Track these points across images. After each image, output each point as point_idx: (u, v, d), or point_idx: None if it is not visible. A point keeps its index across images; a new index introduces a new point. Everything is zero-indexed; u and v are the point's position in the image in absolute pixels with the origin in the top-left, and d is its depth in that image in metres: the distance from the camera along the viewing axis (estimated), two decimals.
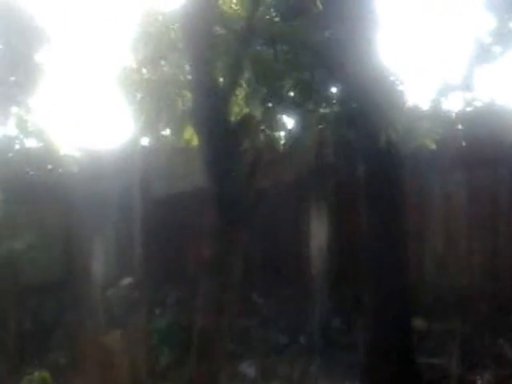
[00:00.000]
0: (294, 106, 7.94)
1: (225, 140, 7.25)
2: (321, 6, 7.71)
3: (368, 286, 7.64)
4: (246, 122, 7.82)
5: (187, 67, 7.83)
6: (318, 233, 8.74)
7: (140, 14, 8.14)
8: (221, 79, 7.58)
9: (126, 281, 9.27)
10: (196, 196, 8.45)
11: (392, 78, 8.07)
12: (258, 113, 7.94)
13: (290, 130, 8.11)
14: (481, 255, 8.56)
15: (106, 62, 8.37)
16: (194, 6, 7.48)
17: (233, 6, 8.02)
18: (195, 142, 7.67)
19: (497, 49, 8.39)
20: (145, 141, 9.54)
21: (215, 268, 6.42)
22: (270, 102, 7.95)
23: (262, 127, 7.94)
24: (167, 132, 8.13)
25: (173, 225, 9.76)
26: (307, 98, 8.01)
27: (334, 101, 8.13)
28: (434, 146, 7.83)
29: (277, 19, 8.15)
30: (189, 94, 7.96)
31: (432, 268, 8.76)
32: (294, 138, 8.11)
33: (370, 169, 7.98)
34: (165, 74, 8.03)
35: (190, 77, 7.65)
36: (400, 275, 7.57)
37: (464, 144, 8.20)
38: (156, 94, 8.07)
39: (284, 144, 8.38)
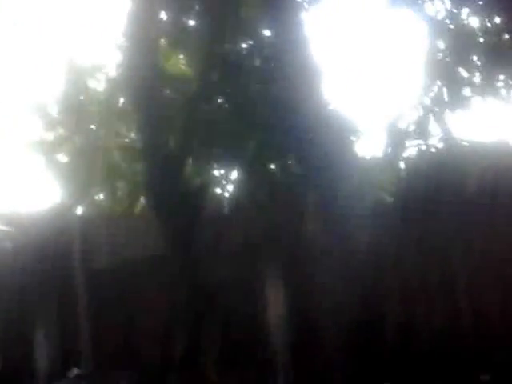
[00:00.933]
0: (248, 166, 7.70)
1: (183, 209, 7.21)
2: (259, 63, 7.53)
3: None
4: (204, 187, 7.75)
5: (136, 133, 7.78)
6: (273, 299, 8.09)
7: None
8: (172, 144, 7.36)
9: (73, 372, 8.44)
10: (144, 264, 7.88)
11: (345, 129, 7.82)
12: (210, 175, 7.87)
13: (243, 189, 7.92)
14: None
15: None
16: (139, 68, 7.30)
17: (182, 66, 7.91)
18: (137, 207, 7.38)
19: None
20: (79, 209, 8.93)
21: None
22: (224, 163, 7.83)
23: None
24: (102, 199, 7.73)
25: (120, 299, 9.01)
26: (264, 159, 7.80)
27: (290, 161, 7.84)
28: (390, 199, 7.50)
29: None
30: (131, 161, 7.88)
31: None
32: (247, 197, 7.87)
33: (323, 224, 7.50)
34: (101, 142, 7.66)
35: (139, 143, 7.63)
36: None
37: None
38: (95, 162, 7.75)
39: (235, 204, 8.07)
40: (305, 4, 8.04)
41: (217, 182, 7.79)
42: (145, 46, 7.38)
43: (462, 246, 7.57)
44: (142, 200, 7.61)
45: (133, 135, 7.71)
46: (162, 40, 7.64)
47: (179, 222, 7.09)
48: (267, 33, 7.79)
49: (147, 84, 7.25)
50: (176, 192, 6.97)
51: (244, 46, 7.84)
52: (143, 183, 7.42)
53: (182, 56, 7.80)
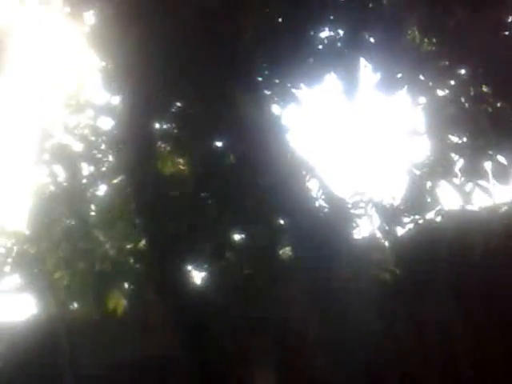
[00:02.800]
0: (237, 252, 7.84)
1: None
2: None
3: None
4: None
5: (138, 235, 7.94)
6: None
7: None
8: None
9: None
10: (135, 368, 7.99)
11: (337, 209, 7.97)
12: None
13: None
14: None
15: None
16: (137, 173, 7.60)
17: (181, 167, 8.19)
18: (120, 310, 7.49)
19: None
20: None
21: None
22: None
23: None
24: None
25: None
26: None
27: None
28: (389, 278, 7.56)
29: None
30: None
31: None
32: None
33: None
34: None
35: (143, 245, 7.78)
36: None
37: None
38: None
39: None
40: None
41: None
42: (141, 151, 7.69)
43: (464, 322, 7.58)
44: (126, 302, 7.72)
45: (134, 237, 7.90)
46: (159, 144, 7.92)
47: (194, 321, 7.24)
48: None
49: (147, 188, 7.51)
50: (184, 290, 7.15)
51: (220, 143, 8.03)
52: (149, 284, 7.58)
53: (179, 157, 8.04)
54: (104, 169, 7.95)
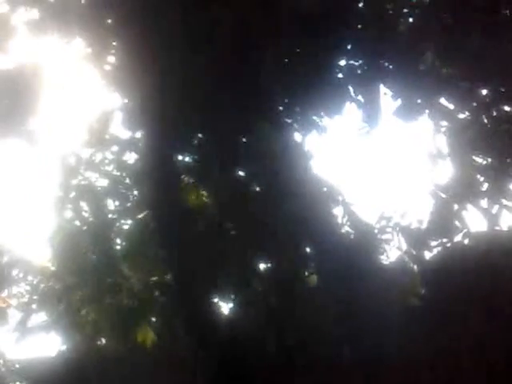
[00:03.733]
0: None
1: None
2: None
3: None
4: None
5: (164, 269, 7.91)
6: None
7: None
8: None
9: None
10: None
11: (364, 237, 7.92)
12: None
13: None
14: None
15: None
16: (162, 205, 7.65)
17: (204, 198, 8.17)
18: (149, 343, 7.43)
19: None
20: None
21: None
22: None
23: None
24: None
25: None
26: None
27: None
28: (418, 302, 7.45)
29: None
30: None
31: None
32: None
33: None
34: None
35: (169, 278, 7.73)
36: None
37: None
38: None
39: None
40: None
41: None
42: (164, 185, 7.74)
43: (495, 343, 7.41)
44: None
45: (160, 270, 7.88)
46: (182, 176, 7.96)
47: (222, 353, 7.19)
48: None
49: (171, 221, 7.54)
50: (211, 322, 7.12)
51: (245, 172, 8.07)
52: (176, 317, 7.54)
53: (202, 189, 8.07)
54: (129, 204, 8.00)
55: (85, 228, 7.93)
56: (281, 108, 8.35)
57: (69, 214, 7.92)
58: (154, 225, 7.97)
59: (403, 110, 8.57)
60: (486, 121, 8.68)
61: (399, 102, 8.58)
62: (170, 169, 8.12)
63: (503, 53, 8.34)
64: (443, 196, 8.44)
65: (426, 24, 8.47)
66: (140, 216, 8.09)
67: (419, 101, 8.61)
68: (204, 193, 8.24)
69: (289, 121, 8.24)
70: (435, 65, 8.54)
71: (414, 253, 8.11)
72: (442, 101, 8.73)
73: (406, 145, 9.47)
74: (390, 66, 8.59)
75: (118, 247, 8.01)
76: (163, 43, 8.07)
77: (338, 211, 7.90)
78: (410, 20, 8.61)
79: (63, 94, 8.04)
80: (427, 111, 8.70)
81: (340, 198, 8.08)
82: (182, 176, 8.18)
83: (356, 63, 8.44)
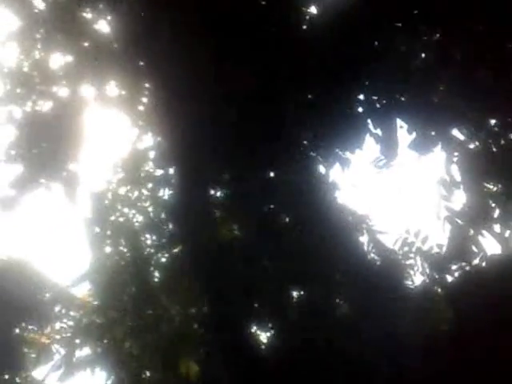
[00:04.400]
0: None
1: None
2: None
3: None
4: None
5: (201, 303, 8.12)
6: None
7: None
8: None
9: None
10: None
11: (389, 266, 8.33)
12: None
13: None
14: None
15: None
16: (196, 239, 7.93)
17: (236, 232, 8.52)
18: (193, 375, 7.66)
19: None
20: None
21: None
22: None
23: None
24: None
25: None
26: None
27: None
28: (448, 327, 7.80)
29: None
30: None
31: None
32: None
33: None
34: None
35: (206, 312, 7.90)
36: None
37: None
38: None
39: None
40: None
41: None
42: (197, 219, 8.06)
43: None
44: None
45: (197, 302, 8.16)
46: (215, 210, 8.29)
47: None
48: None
49: (205, 254, 7.85)
50: (248, 352, 7.38)
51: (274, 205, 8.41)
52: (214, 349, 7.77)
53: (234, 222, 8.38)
54: (164, 238, 8.30)
55: (123, 263, 8.20)
56: (305, 142, 8.78)
57: (108, 249, 8.19)
58: (189, 258, 8.28)
59: (418, 143, 9.05)
60: (495, 149, 9.21)
61: (414, 134, 9.07)
62: (202, 204, 8.46)
63: (509, 85, 8.89)
64: (459, 222, 8.91)
65: (437, 60, 9.00)
66: (176, 250, 8.39)
67: (433, 133, 9.11)
68: (234, 226, 8.57)
69: (314, 154, 8.66)
70: (447, 98, 9.06)
71: (437, 277, 8.57)
72: (454, 132, 9.26)
73: (421, 174, 9.95)
74: (405, 100, 9.08)
75: (156, 280, 8.30)
76: (193, 84, 8.47)
77: (363, 239, 8.36)
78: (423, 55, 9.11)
79: (100, 135, 8.36)
80: (440, 143, 9.19)
81: (365, 226, 8.52)
82: (214, 210, 8.52)
83: (374, 97, 8.91)
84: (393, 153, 9.00)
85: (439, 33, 9.09)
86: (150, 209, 8.39)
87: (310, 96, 8.66)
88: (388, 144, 8.96)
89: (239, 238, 8.51)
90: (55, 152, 7.87)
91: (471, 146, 9.32)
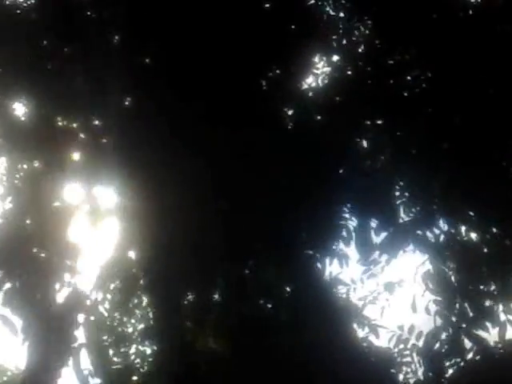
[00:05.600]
0: None
1: None
2: None
3: None
4: None
5: None
6: None
7: None
8: None
9: None
10: None
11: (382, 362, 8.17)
12: None
13: None
14: None
15: None
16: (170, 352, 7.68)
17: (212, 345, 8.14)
18: None
19: None
20: None
21: None
22: None
23: None
24: None
25: None
26: None
27: None
28: None
29: None
30: None
31: None
32: None
33: None
34: None
35: None
36: None
37: None
38: None
39: None
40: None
41: None
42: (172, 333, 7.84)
43: None
44: None
45: None
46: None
47: None
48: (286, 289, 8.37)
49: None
50: None
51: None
52: None
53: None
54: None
55: None
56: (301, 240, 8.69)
57: None
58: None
59: (386, 243, 9.07)
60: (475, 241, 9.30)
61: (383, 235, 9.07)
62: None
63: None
64: (452, 318, 8.83)
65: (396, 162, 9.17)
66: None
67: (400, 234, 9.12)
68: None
69: (310, 252, 8.58)
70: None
71: (432, 375, 8.39)
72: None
73: (408, 270, 9.99)
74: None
75: None
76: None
77: (358, 336, 8.20)
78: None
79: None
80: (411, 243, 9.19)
81: (360, 323, 8.42)
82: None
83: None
84: (366, 253, 9.00)
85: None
86: None
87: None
88: (361, 244, 8.96)
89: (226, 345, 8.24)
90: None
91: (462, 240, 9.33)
